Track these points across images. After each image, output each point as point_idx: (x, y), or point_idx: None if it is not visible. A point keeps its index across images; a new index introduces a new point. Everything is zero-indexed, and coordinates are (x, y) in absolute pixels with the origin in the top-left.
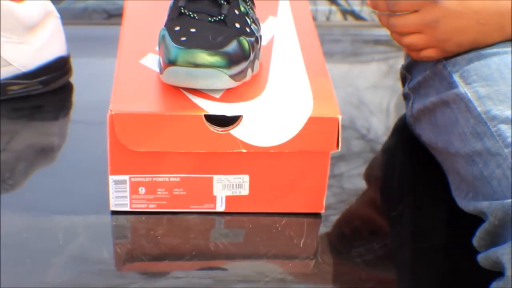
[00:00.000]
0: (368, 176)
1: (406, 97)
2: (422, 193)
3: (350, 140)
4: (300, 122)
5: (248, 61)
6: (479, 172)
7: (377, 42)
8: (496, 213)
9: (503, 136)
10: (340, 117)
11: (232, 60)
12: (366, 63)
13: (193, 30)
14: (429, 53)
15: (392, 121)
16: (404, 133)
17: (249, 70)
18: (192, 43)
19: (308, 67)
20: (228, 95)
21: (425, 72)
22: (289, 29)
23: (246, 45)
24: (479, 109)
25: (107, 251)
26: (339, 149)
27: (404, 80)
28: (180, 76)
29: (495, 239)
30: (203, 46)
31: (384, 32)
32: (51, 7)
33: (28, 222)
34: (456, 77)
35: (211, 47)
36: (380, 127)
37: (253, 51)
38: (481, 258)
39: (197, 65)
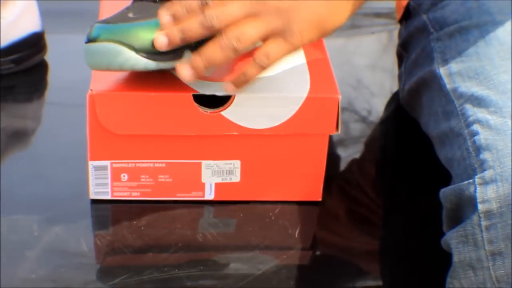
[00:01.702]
0: (368, 162)
1: (399, 77)
2: (424, 181)
3: (348, 123)
4: (296, 103)
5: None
6: (446, 154)
7: (378, 14)
8: (451, 199)
9: (466, 115)
10: (340, 97)
11: None
12: (366, 37)
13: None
14: (269, 48)
15: (393, 102)
16: (403, 115)
17: (187, 52)
18: (111, 19)
19: (305, 47)
20: (219, 73)
21: (418, 49)
22: None
23: None
24: (448, 86)
25: (86, 244)
26: (339, 131)
27: (400, 59)
28: (85, 55)
29: (453, 224)
30: (115, 21)
31: (386, 5)
32: None
33: (1, 212)
34: (436, 53)
35: (123, 20)
36: (381, 108)
37: None
38: (442, 242)
39: (92, 40)
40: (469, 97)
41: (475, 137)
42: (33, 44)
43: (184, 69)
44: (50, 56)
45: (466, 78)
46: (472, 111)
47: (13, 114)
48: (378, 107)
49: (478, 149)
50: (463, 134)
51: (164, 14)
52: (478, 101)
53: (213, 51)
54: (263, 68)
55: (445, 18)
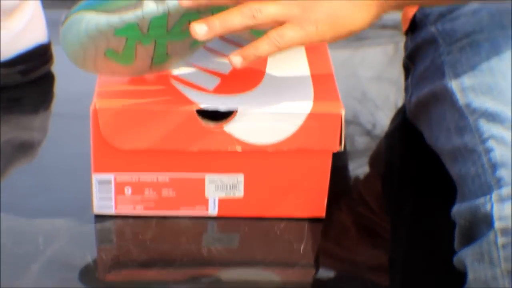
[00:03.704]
0: (373, 177)
1: (406, 90)
2: (429, 197)
3: (353, 137)
4: (299, 118)
5: None
6: (458, 170)
7: (383, 26)
8: (466, 216)
9: (480, 131)
10: (343, 112)
11: None
12: (371, 48)
13: None
14: (286, 29)
15: (399, 115)
16: (409, 128)
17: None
18: None
19: (309, 55)
20: (223, 86)
21: (426, 62)
22: None
23: None
24: (461, 101)
25: (91, 257)
26: (342, 148)
27: (407, 71)
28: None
29: (466, 241)
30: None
31: (391, 16)
32: None
33: (5, 224)
34: (446, 67)
35: None
36: (386, 122)
37: None
38: (454, 260)
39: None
40: (483, 112)
41: (491, 154)
42: (40, 55)
43: (199, 26)
44: (56, 67)
45: (479, 93)
46: (487, 127)
47: (19, 126)
48: (383, 120)
49: (494, 166)
50: (477, 150)
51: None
52: (492, 117)
53: (232, 16)
54: (275, 47)
55: (455, 31)
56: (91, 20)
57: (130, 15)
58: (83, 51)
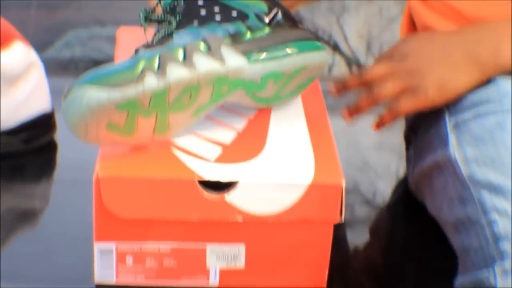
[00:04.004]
0: (374, 248)
1: (408, 160)
2: (431, 268)
3: (354, 206)
4: (300, 189)
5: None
6: (461, 242)
7: None
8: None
9: (483, 202)
10: (343, 184)
11: None
12: (372, 116)
13: None
14: (402, 102)
15: (401, 185)
16: (411, 199)
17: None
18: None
19: (310, 125)
20: (224, 155)
21: (430, 132)
22: None
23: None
24: (464, 172)
25: None
26: (343, 220)
27: (408, 141)
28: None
29: None
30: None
31: None
32: (34, 56)
33: None
34: (450, 138)
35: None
36: (387, 191)
37: None
38: None
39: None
40: (486, 184)
41: (494, 226)
42: (43, 124)
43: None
44: (59, 136)
45: (482, 165)
46: (489, 199)
47: (21, 194)
48: (384, 189)
49: (497, 238)
50: (480, 221)
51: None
52: (495, 189)
53: (361, 100)
54: (393, 115)
55: (462, 102)
56: (93, 96)
57: (131, 91)
58: (85, 125)
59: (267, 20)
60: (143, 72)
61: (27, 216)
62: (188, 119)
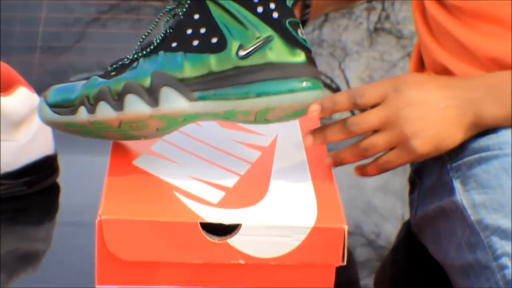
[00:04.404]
0: None
1: (411, 203)
2: None
3: (356, 248)
4: (303, 233)
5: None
6: (470, 286)
7: None
8: None
9: (493, 247)
10: (346, 227)
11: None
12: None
13: None
14: (391, 156)
15: (403, 228)
16: (414, 242)
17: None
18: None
19: (311, 166)
20: (227, 200)
21: (433, 177)
22: (293, 129)
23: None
24: (472, 218)
25: None
26: (345, 263)
27: (413, 185)
28: None
29: None
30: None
31: None
32: (37, 101)
33: None
34: (456, 184)
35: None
36: (390, 234)
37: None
38: None
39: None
40: (495, 229)
41: (505, 271)
42: (46, 167)
43: (306, 137)
44: (62, 178)
45: (491, 210)
46: (500, 244)
47: (23, 236)
48: (387, 232)
49: (508, 283)
50: (491, 267)
51: (315, 104)
52: (505, 234)
53: (346, 153)
54: (382, 171)
55: (461, 148)
56: (47, 113)
57: (71, 118)
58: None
59: (242, 53)
60: (79, 104)
61: (29, 259)
62: (152, 135)
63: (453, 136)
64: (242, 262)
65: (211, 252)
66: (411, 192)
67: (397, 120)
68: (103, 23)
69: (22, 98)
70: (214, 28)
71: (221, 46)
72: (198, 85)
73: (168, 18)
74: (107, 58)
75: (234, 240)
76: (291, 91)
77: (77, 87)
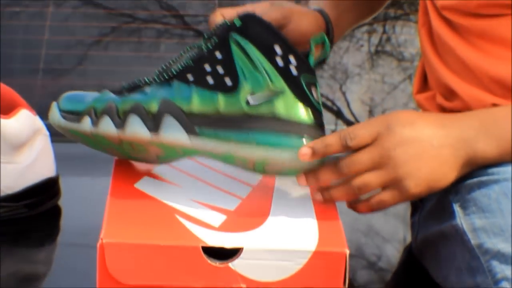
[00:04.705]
0: None
1: (412, 227)
2: None
3: (357, 271)
4: (304, 256)
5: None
6: None
7: None
8: None
9: (493, 272)
10: (347, 251)
11: None
12: None
13: None
14: (384, 196)
15: (405, 250)
16: (416, 265)
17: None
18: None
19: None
20: (228, 223)
21: (433, 200)
22: None
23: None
24: (473, 242)
25: None
26: (346, 286)
27: (414, 208)
28: None
29: None
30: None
31: None
32: (39, 123)
33: None
34: (456, 207)
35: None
36: (391, 256)
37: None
38: None
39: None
40: (495, 253)
41: None
42: (47, 190)
43: (301, 179)
44: (63, 201)
45: (491, 234)
46: (500, 268)
47: (24, 259)
48: (388, 254)
49: None
50: None
51: (306, 147)
52: (505, 258)
53: (338, 192)
54: (373, 210)
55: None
56: (52, 114)
57: (75, 125)
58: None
59: (252, 101)
60: (85, 114)
61: (29, 281)
62: (153, 161)
63: (446, 176)
64: (244, 286)
65: (213, 276)
66: (413, 215)
67: (390, 160)
68: (104, 45)
69: (24, 121)
70: (231, 69)
71: (233, 88)
72: (202, 121)
73: (188, 48)
74: (109, 81)
75: (235, 264)
76: (291, 147)
77: (87, 98)
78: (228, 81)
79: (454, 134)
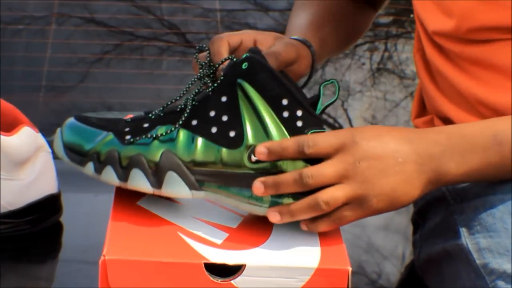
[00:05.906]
0: None
1: (414, 244)
2: None
3: (358, 287)
4: (306, 273)
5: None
6: None
7: None
8: None
9: None
10: (349, 269)
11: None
12: None
13: None
14: (346, 212)
15: (407, 268)
16: (417, 283)
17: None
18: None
19: None
20: (231, 241)
21: (437, 219)
22: None
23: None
24: (478, 262)
25: None
26: None
27: (416, 226)
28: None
29: None
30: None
31: None
32: (41, 140)
33: None
34: (461, 227)
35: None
36: (393, 274)
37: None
38: None
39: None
40: (501, 273)
41: None
42: (49, 206)
43: (273, 214)
44: (65, 217)
45: (496, 254)
46: None
47: (26, 275)
48: (390, 271)
49: None
50: None
51: (262, 146)
52: (511, 278)
53: (301, 209)
54: (334, 226)
55: (466, 191)
56: (56, 145)
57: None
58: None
59: (255, 159)
60: (89, 159)
61: None
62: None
63: (408, 194)
64: None
65: None
66: (415, 233)
67: (355, 175)
68: (106, 63)
69: (26, 138)
70: (235, 118)
71: (237, 143)
72: (203, 174)
73: (198, 89)
74: (111, 98)
75: (238, 281)
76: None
77: (92, 136)
78: (232, 133)
79: (419, 150)
